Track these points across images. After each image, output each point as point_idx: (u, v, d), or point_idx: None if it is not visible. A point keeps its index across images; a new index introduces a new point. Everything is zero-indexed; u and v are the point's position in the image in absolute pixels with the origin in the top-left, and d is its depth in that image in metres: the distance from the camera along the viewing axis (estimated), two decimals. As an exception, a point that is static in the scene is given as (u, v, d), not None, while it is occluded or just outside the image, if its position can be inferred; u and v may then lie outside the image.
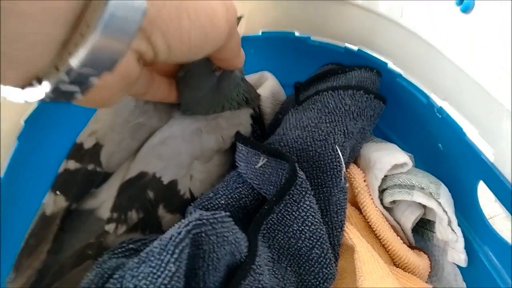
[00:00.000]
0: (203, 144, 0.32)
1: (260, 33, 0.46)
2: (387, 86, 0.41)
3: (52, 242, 0.28)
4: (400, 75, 0.41)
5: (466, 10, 0.26)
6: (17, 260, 0.29)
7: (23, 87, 0.17)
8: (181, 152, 0.31)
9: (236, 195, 0.30)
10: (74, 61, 0.16)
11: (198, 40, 0.22)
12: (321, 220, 0.29)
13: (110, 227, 0.28)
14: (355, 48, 0.44)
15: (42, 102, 0.39)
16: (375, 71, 0.39)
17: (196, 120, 0.33)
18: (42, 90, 0.17)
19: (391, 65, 0.42)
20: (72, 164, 0.31)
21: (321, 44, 0.46)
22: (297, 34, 0.46)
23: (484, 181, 0.33)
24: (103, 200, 0.30)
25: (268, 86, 0.43)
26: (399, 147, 0.41)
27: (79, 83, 0.17)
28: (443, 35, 0.33)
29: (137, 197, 0.29)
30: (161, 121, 0.33)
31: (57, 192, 0.30)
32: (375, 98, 0.36)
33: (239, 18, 0.30)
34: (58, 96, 0.17)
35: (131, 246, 0.28)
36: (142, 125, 0.32)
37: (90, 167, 0.30)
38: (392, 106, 0.39)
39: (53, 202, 0.30)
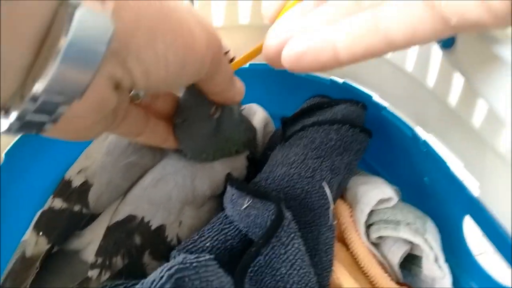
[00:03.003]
0: (195, 190, 0.31)
1: (247, 65, 0.46)
2: (373, 119, 0.41)
3: (31, 284, 0.27)
4: (385, 108, 0.41)
5: (448, 45, 0.27)
6: None
7: None
8: (172, 197, 0.30)
9: (222, 237, 0.29)
10: (39, 87, 0.15)
11: (175, 66, 0.21)
12: (309, 263, 0.28)
13: (93, 273, 0.27)
14: (340, 80, 0.45)
15: (22, 135, 0.38)
16: (360, 105, 0.39)
17: (190, 164, 0.32)
18: (7, 120, 0.16)
19: (376, 97, 0.42)
20: (58, 203, 0.30)
21: (307, 77, 0.46)
22: (283, 66, 0.47)
23: (471, 216, 0.33)
24: (88, 242, 0.29)
25: (259, 120, 0.42)
26: (386, 180, 0.41)
27: (47, 112, 0.16)
28: (426, 70, 0.34)
29: (123, 242, 0.28)
30: (154, 159, 0.33)
31: (40, 233, 0.29)
32: (361, 131, 0.36)
33: (226, 53, 0.29)
34: (25, 126, 0.16)
35: (113, 289, 0.27)
36: (134, 165, 0.32)
37: (77, 208, 0.30)
38: (378, 139, 0.39)
39: (34, 243, 0.29)
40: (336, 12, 0.22)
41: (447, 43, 0.26)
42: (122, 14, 0.17)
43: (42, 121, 0.17)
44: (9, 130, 0.16)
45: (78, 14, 0.14)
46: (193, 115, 0.30)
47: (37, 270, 0.27)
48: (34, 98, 0.15)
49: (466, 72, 0.28)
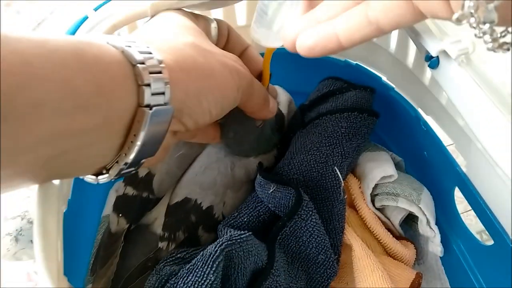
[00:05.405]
0: (234, 177, 0.39)
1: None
2: (382, 97, 0.47)
3: (120, 253, 0.37)
4: (392, 89, 0.47)
5: (433, 66, 0.32)
6: (92, 267, 0.38)
7: (96, 175, 0.24)
8: (217, 183, 0.38)
9: (255, 213, 0.38)
10: (129, 158, 0.23)
11: (216, 112, 0.28)
12: (324, 232, 0.37)
13: (163, 245, 0.37)
14: (353, 62, 0.50)
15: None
16: (369, 89, 0.45)
17: (230, 154, 0.40)
18: (109, 176, 0.24)
19: (385, 79, 0.48)
20: (130, 190, 0.39)
21: (324, 58, 0.51)
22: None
23: (459, 188, 0.40)
24: (155, 217, 0.39)
25: (283, 102, 0.49)
26: (392, 150, 0.48)
27: (135, 166, 0.24)
28: (423, 71, 0.39)
29: (183, 221, 0.37)
30: (200, 149, 0.41)
31: (119, 214, 0.38)
32: (369, 115, 0.43)
33: (260, 75, 0.35)
34: (120, 176, 0.24)
35: (178, 255, 0.36)
36: (185, 155, 0.40)
37: (145, 194, 0.39)
38: (386, 115, 0.45)
39: (116, 223, 0.38)
40: (335, 8, 0.27)
41: (433, 64, 0.31)
42: (176, 93, 0.24)
43: (131, 171, 0.24)
44: (108, 180, 0.24)
45: (151, 115, 0.22)
46: (243, 128, 0.37)
47: (122, 244, 0.37)
48: (126, 164, 0.23)
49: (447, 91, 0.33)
